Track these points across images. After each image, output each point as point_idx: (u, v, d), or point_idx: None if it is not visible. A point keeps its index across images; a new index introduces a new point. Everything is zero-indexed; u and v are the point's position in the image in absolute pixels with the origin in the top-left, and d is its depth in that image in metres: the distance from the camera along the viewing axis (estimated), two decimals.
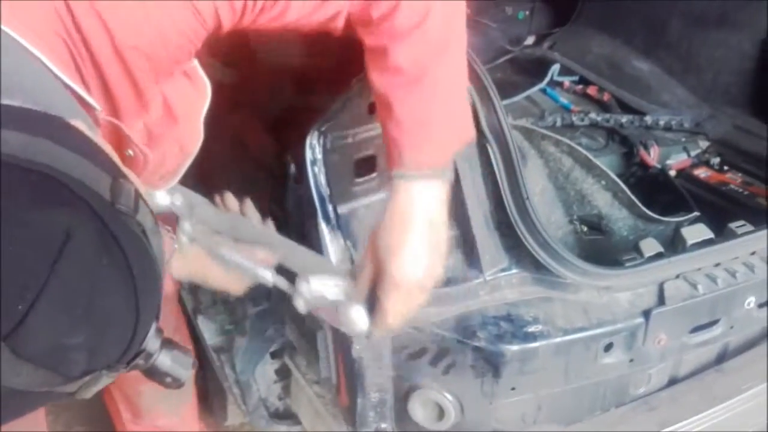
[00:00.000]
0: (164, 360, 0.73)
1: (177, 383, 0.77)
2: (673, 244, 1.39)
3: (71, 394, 0.62)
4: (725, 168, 1.98)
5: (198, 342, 1.70)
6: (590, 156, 1.46)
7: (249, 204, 1.08)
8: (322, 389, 1.51)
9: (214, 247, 1.02)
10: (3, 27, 0.70)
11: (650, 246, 1.31)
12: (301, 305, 1.03)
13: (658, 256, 1.30)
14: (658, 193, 1.83)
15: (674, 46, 2.18)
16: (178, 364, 0.75)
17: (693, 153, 2.04)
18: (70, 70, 0.77)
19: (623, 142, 2.03)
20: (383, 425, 1.35)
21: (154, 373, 0.75)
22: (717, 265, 1.33)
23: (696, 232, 1.36)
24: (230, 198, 1.07)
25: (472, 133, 1.07)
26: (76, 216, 0.57)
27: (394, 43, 0.93)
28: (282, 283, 1.03)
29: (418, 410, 1.32)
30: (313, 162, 1.15)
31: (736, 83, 2.11)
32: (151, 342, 0.69)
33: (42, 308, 0.54)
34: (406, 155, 0.97)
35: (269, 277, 1.03)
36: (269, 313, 1.54)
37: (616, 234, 1.49)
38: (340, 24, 0.94)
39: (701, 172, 1.97)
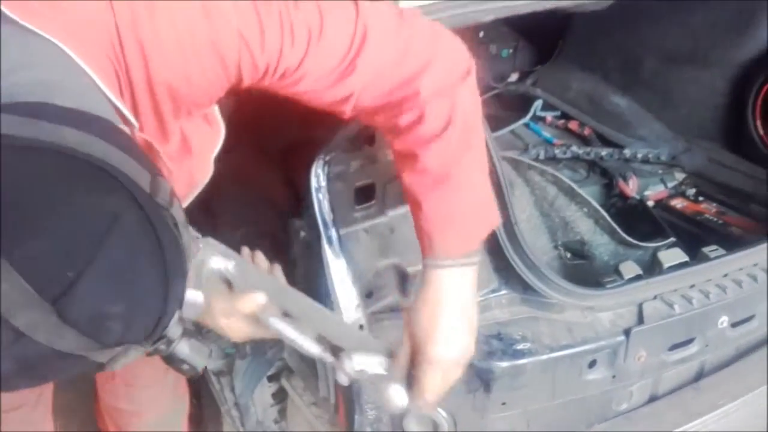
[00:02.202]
0: (183, 348, 0.84)
1: (193, 371, 0.87)
2: (651, 268, 1.52)
3: (102, 365, 0.70)
4: (700, 198, 2.12)
5: None
6: (573, 185, 1.59)
7: (278, 267, 1.17)
8: (320, 410, 1.60)
9: (262, 315, 1.07)
10: (62, 46, 0.80)
11: (630, 269, 1.44)
12: (343, 379, 1.12)
13: (637, 278, 1.43)
14: (637, 222, 1.96)
15: (650, 82, 2.33)
16: (196, 353, 0.86)
17: (670, 184, 2.18)
18: (114, 89, 0.87)
19: (603, 174, 2.17)
20: None
21: (173, 360, 0.85)
22: (692, 286, 1.45)
23: (672, 255, 1.49)
24: (260, 256, 1.17)
25: (497, 219, 1.18)
26: (123, 203, 0.67)
27: (421, 149, 1.04)
28: (327, 357, 1.10)
29: (414, 426, 1.41)
30: (318, 189, 1.27)
31: (711, 118, 2.25)
32: (173, 329, 0.79)
33: (89, 277, 0.64)
34: (437, 245, 1.08)
35: (315, 350, 1.09)
36: None
37: (598, 259, 1.62)
38: (348, 109, 1.03)
39: (678, 203, 2.11)
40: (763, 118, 2.14)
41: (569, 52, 2.53)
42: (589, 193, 2.08)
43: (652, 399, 1.54)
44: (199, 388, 1.94)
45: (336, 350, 1.10)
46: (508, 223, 1.34)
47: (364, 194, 1.34)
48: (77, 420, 2.12)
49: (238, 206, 1.48)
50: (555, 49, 2.57)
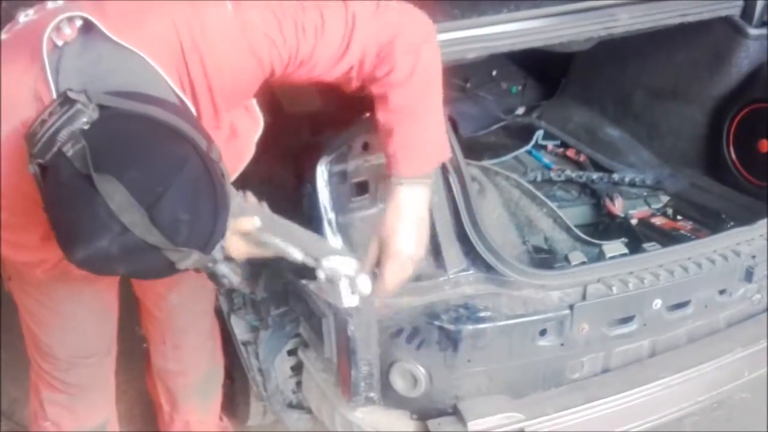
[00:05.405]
0: (223, 267, 1.26)
1: (230, 285, 1.29)
2: (598, 259, 1.92)
3: (172, 264, 1.11)
4: (678, 217, 2.51)
5: (229, 341, 2.24)
6: (532, 188, 2.01)
7: (264, 203, 1.59)
8: (327, 374, 2.02)
9: (258, 233, 1.45)
10: (144, 56, 1.25)
11: (576, 257, 1.84)
12: (322, 276, 1.52)
13: (582, 264, 1.83)
14: (621, 236, 2.36)
15: (640, 116, 2.75)
16: (232, 271, 1.28)
17: (654, 206, 2.57)
18: (179, 88, 1.30)
19: (593, 195, 2.58)
20: (371, 394, 1.86)
21: (216, 275, 1.26)
22: (630, 273, 1.84)
23: (614, 248, 1.89)
24: (250, 195, 1.57)
25: (448, 153, 1.65)
26: (190, 152, 1.11)
27: (392, 92, 1.50)
28: (309, 260, 1.50)
29: (398, 380, 1.83)
30: (322, 182, 1.73)
31: (693, 147, 2.65)
32: (218, 252, 1.21)
33: (169, 194, 1.06)
34: (401, 166, 1.54)
35: (299, 256, 1.49)
36: (288, 313, 2.08)
37: (558, 253, 2.03)
38: (353, 75, 1.48)
39: (657, 220, 2.50)
40: (735, 145, 2.53)
41: (571, 89, 2.97)
42: (580, 211, 2.50)
43: (604, 372, 1.92)
44: (231, 369, 2.40)
45: (315, 257, 1.50)
46: (472, 215, 1.76)
47: (359, 189, 1.79)
48: (127, 398, 2.61)
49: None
50: (558, 86, 3.02)
